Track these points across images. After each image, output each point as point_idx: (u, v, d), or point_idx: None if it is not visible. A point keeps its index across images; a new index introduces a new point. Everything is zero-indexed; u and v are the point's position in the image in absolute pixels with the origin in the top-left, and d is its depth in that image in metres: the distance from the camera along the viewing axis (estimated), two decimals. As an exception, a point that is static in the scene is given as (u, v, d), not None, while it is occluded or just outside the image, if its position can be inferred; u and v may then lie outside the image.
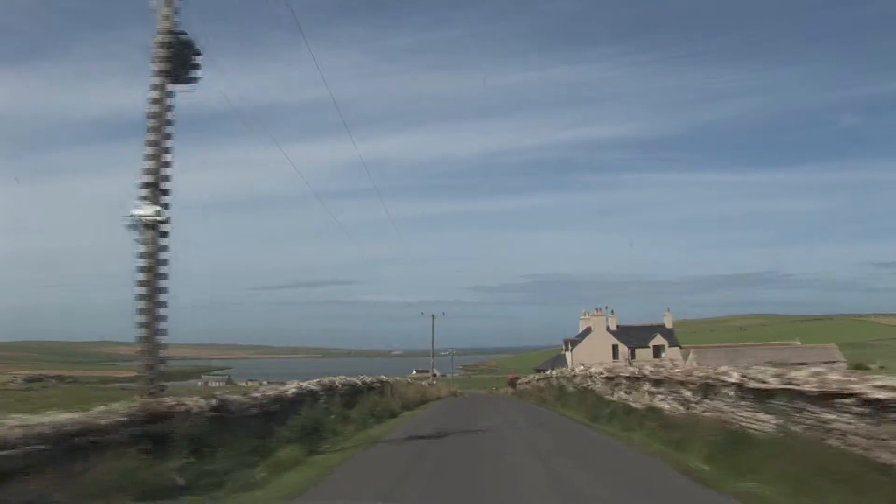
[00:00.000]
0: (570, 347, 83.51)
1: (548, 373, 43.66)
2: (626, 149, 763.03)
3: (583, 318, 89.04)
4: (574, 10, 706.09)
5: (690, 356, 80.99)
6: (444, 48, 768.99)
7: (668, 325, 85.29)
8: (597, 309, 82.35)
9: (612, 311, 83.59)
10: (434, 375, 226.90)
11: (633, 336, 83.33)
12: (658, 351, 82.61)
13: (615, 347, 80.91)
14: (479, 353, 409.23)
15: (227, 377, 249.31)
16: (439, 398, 45.82)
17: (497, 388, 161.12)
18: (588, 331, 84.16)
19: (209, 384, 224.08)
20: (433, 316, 71.75)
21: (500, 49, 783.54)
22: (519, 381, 69.82)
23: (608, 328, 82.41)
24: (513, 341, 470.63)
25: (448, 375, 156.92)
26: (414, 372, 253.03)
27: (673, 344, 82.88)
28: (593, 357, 79.31)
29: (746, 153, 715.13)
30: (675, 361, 61.42)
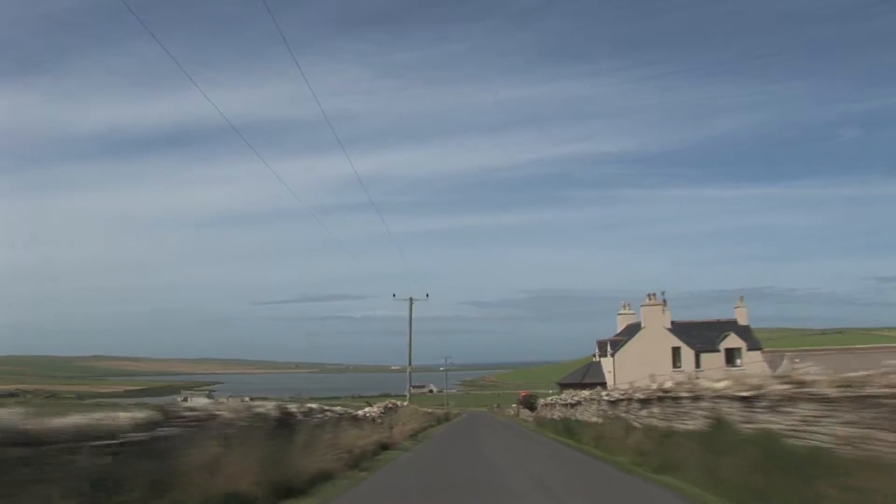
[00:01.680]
0: (608, 352, 56.72)
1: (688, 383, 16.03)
2: (625, 164, 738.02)
3: (622, 312, 62.41)
4: (574, 26, 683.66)
5: (785, 363, 54.45)
6: (446, 63, 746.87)
7: (742, 320, 58.50)
8: (649, 296, 55.58)
9: (666, 300, 56.82)
10: (430, 391, 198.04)
11: (694, 335, 56.63)
12: (732, 356, 55.98)
13: (676, 351, 54.21)
14: (477, 369, 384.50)
15: (207, 392, 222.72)
16: (386, 448, 18.59)
17: (497, 406, 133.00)
18: (634, 329, 57.45)
19: (189, 400, 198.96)
20: (410, 299, 45.60)
21: (501, 64, 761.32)
22: (543, 402, 43.69)
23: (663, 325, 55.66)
24: (512, 357, 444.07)
25: (445, 391, 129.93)
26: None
27: (753, 346, 56.09)
28: (646, 364, 52.36)
29: (746, 168, 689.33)
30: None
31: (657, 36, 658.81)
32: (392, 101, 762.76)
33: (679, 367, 53.51)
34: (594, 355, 62.06)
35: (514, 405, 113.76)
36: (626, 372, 51.65)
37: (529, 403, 62.34)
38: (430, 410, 46.75)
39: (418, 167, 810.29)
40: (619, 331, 61.28)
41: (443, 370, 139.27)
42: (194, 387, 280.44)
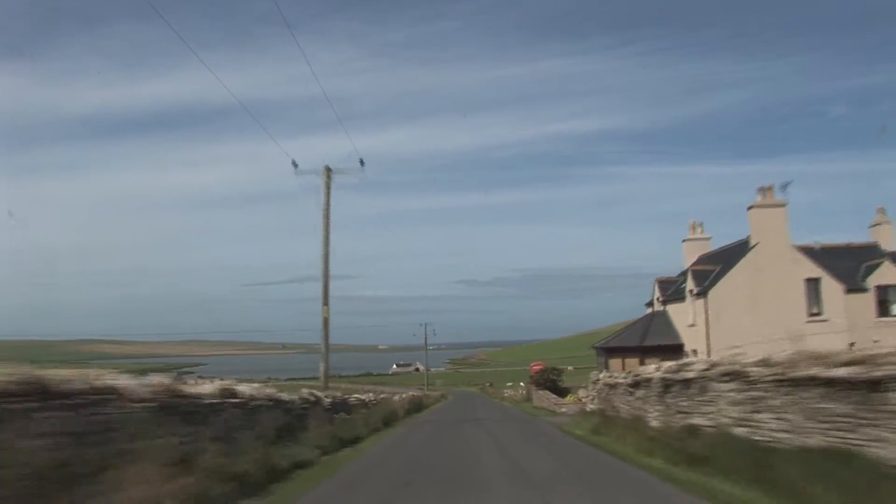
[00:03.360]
0: (689, 292, 32.12)
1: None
2: (617, 142, 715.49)
3: (690, 238, 37.90)
4: (566, 3, 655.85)
5: None
6: (438, 42, 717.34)
7: (889, 244, 34.12)
8: (762, 192, 30.20)
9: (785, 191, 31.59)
10: (416, 370, 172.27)
11: (819, 263, 32.20)
12: (887, 298, 31.63)
13: (813, 285, 29.65)
14: (466, 348, 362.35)
15: (176, 374, 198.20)
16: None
17: (490, 385, 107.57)
18: (724, 257, 32.98)
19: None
20: (326, 171, 20.84)
21: (493, 42, 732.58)
22: (618, 378, 19.41)
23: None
24: (503, 335, 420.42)
25: (427, 369, 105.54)
26: (395, 366, 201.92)
27: (921, 281, 31.77)
28: (761, 308, 27.17)
29: (737, 144, 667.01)
30: None
31: (648, 13, 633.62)
32: (384, 80, 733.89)
33: (818, 313, 29.15)
34: (651, 303, 37.61)
35: (511, 384, 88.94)
36: (728, 322, 27.54)
37: (550, 382, 38.26)
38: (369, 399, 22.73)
39: (410, 146, 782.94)
40: (688, 264, 36.94)
41: (431, 348, 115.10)
42: (172, 368, 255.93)
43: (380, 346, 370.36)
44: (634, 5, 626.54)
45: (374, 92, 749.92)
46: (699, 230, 37.84)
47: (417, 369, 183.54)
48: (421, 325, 71.27)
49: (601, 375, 19.88)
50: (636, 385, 15.24)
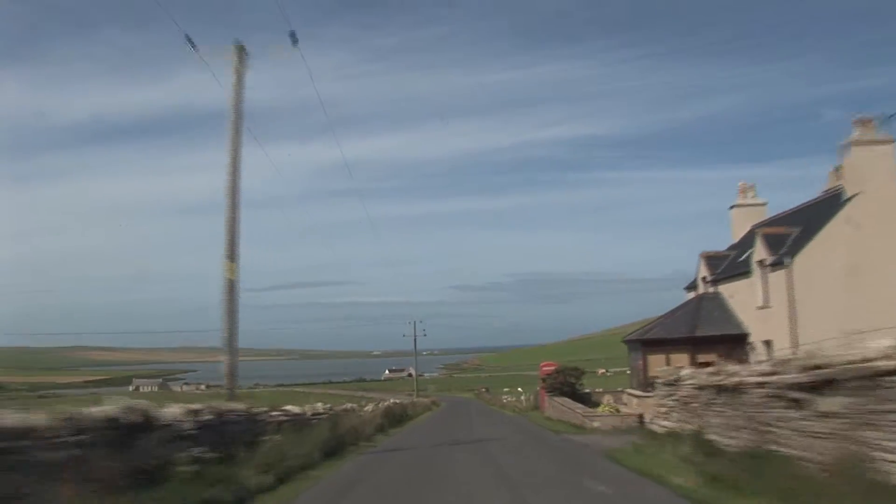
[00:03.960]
0: (754, 264, 23.90)
1: None
2: (611, 147, 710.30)
3: (740, 203, 29.82)
4: (558, 8, 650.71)
5: None
6: (430, 47, 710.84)
7: None
8: (860, 124, 21.54)
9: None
10: (409, 375, 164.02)
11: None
12: None
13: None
14: (459, 353, 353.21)
15: (161, 381, 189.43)
16: None
17: (486, 390, 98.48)
18: (802, 220, 24.82)
19: (140, 389, 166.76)
20: (239, 53, 12.47)
21: (486, 47, 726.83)
22: (717, 373, 11.29)
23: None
24: (498, 340, 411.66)
25: (426, 375, 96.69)
26: (387, 371, 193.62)
27: None
28: (863, 281, 19.17)
29: (731, 149, 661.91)
30: None
31: (641, 18, 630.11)
32: (376, 85, 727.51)
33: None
34: (694, 285, 29.40)
35: (509, 389, 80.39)
36: (818, 302, 19.50)
37: (568, 387, 29.90)
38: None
39: (402, 152, 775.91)
40: (735, 241, 28.96)
41: (424, 354, 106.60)
42: (162, 375, 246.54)
43: (374, 352, 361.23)
44: (626, 11, 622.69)
45: (365, 97, 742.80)
46: (750, 195, 29.75)
47: (410, 374, 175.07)
48: (410, 323, 63.00)
49: (684, 372, 11.67)
50: (818, 388, 7.02)
